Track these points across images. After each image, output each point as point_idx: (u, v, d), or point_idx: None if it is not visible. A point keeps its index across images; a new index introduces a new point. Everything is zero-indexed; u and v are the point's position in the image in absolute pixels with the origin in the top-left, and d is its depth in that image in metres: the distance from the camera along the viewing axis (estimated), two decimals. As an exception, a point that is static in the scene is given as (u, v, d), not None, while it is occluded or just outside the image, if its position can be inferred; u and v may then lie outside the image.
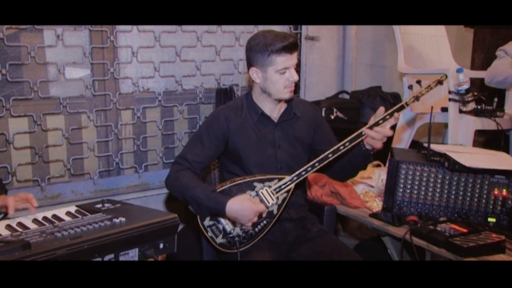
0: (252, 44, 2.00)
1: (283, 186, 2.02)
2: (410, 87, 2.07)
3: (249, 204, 1.93)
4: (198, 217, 1.99)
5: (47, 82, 2.64)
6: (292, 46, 1.96)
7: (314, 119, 2.22)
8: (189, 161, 2.05)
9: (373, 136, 1.94)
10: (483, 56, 4.67)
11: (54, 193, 2.70)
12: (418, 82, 2.02)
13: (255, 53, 1.99)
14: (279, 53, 1.94)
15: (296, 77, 2.00)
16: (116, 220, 1.55)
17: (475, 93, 2.90)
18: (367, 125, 1.96)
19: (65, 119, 2.73)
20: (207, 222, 2.00)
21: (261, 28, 3.17)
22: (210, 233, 2.00)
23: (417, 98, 1.97)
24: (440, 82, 2.02)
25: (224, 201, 1.92)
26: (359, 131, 1.97)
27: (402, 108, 1.97)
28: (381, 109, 1.96)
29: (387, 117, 1.94)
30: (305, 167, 2.01)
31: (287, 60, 1.96)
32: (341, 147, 1.98)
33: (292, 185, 2.02)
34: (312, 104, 2.31)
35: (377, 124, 1.94)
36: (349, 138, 1.97)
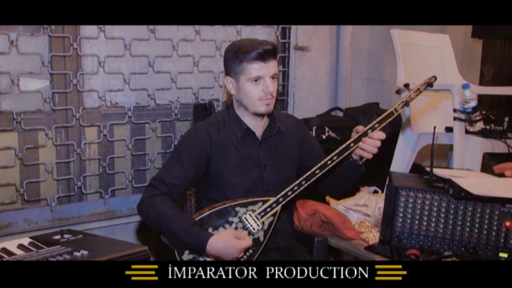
0: (226, 51, 2.11)
1: (268, 209, 2.05)
2: (398, 91, 2.17)
3: (233, 242, 1.94)
4: (175, 250, 1.99)
5: (-2, 94, 2.63)
6: (266, 54, 2.02)
7: (299, 133, 2.29)
8: (167, 184, 2.05)
9: (364, 148, 2.04)
10: (493, 70, 4.75)
11: (3, 222, 2.67)
12: (406, 85, 2.12)
13: (228, 60, 2.10)
14: (250, 60, 2.02)
15: (271, 88, 2.05)
16: (77, 254, 1.55)
17: (483, 112, 2.95)
18: (355, 137, 2.05)
19: (18, 136, 2.72)
20: (186, 256, 2.00)
21: (245, 36, 3.22)
22: None
23: (406, 104, 2.10)
24: (429, 85, 2.15)
25: (206, 238, 1.93)
26: (347, 143, 2.05)
27: (391, 115, 2.07)
28: (360, 127, 2.06)
29: (376, 125, 2.04)
30: (291, 186, 2.05)
31: (260, 69, 2.03)
32: (329, 162, 2.05)
33: (278, 208, 2.06)
34: (296, 118, 2.41)
35: (365, 134, 2.03)
36: (336, 151, 2.05)
